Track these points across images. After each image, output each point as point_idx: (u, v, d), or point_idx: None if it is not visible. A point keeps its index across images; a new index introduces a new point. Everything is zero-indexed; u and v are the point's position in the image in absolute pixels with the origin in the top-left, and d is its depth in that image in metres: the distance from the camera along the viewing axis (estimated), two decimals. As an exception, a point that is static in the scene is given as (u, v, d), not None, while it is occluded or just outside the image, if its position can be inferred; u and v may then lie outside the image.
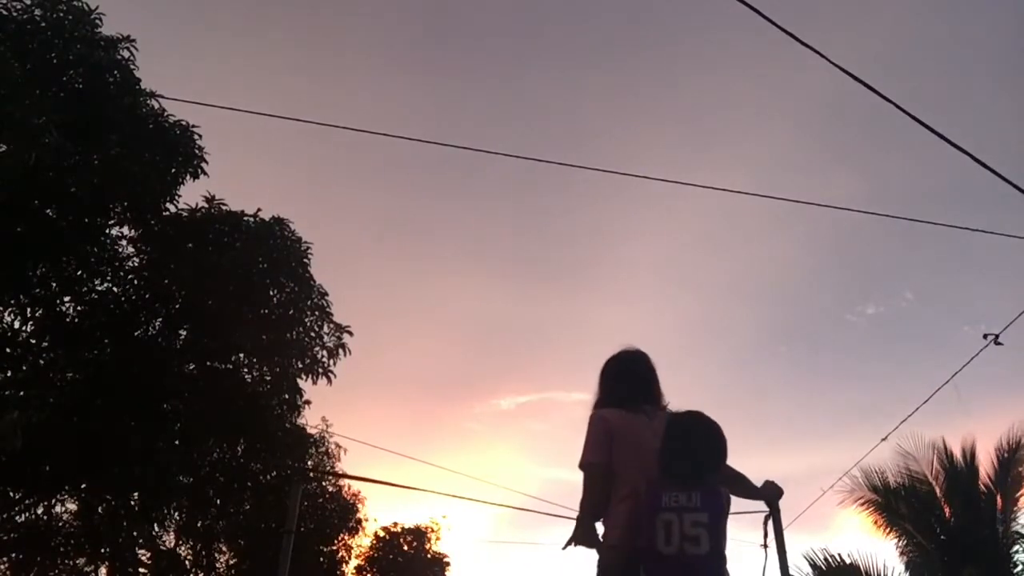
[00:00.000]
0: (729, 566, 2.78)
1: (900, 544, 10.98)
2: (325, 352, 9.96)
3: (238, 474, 10.35)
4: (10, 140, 7.33)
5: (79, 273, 8.94)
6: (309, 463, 12.73)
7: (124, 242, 9.41)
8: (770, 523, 3.31)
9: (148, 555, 11.42)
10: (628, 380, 3.23)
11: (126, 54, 9.01)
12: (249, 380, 9.68)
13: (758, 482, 3.26)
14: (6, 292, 8.43)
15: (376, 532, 17.42)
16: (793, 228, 24.12)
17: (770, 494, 3.27)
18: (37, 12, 8.54)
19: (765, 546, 3.29)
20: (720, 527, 2.72)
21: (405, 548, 17.62)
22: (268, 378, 9.80)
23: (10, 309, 8.63)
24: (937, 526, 10.74)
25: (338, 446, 13.62)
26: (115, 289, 9.21)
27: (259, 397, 9.52)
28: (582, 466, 3.02)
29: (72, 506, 10.01)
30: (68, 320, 8.95)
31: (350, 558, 15.67)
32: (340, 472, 13.31)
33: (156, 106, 9.13)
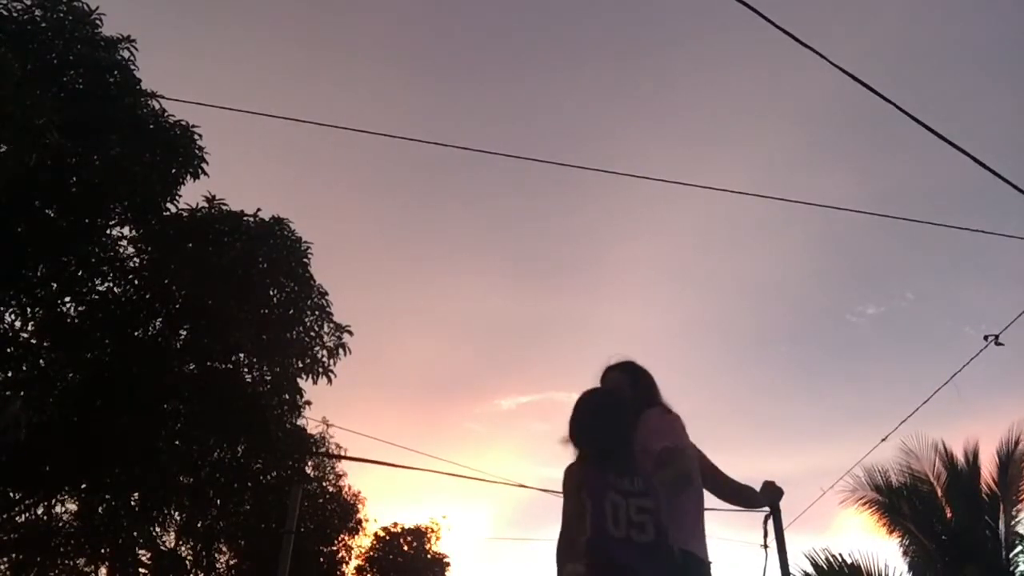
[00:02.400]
0: (715, 566, 2.77)
1: (903, 544, 10.99)
2: (325, 352, 9.96)
3: (238, 474, 10.34)
4: (10, 140, 7.32)
5: (79, 273, 8.94)
6: (309, 463, 12.72)
7: (124, 242, 9.41)
8: (770, 523, 3.31)
9: (148, 555, 11.43)
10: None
11: (126, 54, 9.01)
12: (249, 380, 9.67)
13: (756, 484, 3.26)
14: (6, 292, 8.43)
15: (376, 532, 17.45)
16: (793, 228, 24.15)
17: (770, 495, 3.27)
18: (37, 12, 8.54)
19: (765, 546, 3.29)
20: (661, 514, 2.58)
21: (405, 548, 17.64)
22: (268, 378, 9.79)
23: (11, 309, 8.63)
24: (939, 526, 10.74)
25: (339, 446, 13.63)
26: (115, 289, 9.20)
27: (259, 397, 9.51)
28: (679, 449, 2.79)
29: (72, 506, 10.00)
30: (68, 320, 8.95)
31: (350, 558, 15.69)
32: (339, 455, 13.25)
33: (156, 106, 9.13)
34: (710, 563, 2.84)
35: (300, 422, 10.55)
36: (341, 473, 14.75)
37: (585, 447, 2.71)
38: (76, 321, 8.96)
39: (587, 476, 2.59)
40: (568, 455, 2.78)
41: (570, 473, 2.63)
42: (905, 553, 10.93)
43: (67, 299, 9.00)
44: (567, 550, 2.55)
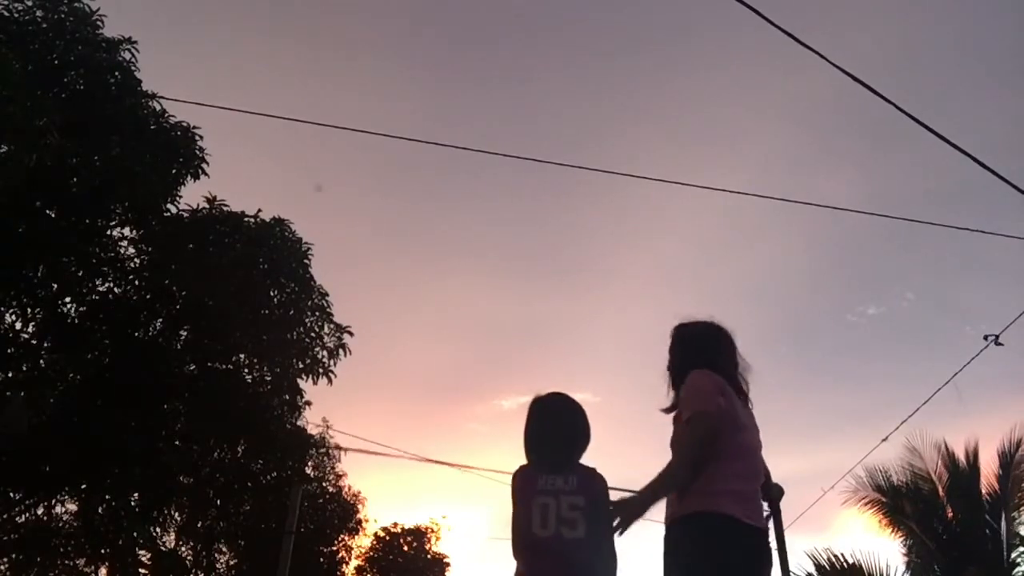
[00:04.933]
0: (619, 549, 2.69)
1: (905, 544, 10.97)
2: (325, 352, 9.97)
3: (238, 475, 10.35)
4: (11, 141, 7.34)
5: (80, 274, 8.95)
6: (309, 464, 12.73)
7: (125, 243, 9.43)
8: (770, 522, 3.31)
9: (148, 556, 11.42)
10: (729, 354, 2.96)
11: (127, 55, 9.03)
12: (249, 380, 9.68)
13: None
14: (7, 292, 8.43)
15: (376, 532, 17.46)
16: (793, 228, 24.17)
17: (771, 494, 3.27)
18: (39, 13, 8.55)
19: (765, 545, 3.28)
20: (597, 511, 2.64)
21: (405, 548, 17.64)
22: (268, 378, 9.80)
23: (11, 309, 8.63)
24: (940, 526, 10.72)
25: (338, 447, 13.64)
26: (116, 289, 9.22)
27: (259, 397, 9.52)
28: (696, 415, 2.63)
29: (72, 506, 10.01)
30: (69, 320, 8.95)
31: (350, 558, 15.71)
32: (344, 447, 13.23)
33: (157, 107, 9.15)
34: (748, 525, 2.60)
35: (300, 422, 10.57)
36: (341, 473, 14.77)
37: (549, 455, 2.79)
38: (76, 321, 8.96)
39: (524, 481, 2.75)
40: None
41: (515, 478, 2.79)
42: (907, 553, 10.92)
43: (67, 299, 9.01)
44: (514, 548, 2.74)
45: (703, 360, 2.90)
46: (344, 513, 14.56)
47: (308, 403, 10.43)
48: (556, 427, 2.82)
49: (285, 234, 9.64)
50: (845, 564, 10.38)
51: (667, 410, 2.99)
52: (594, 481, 2.74)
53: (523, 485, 2.73)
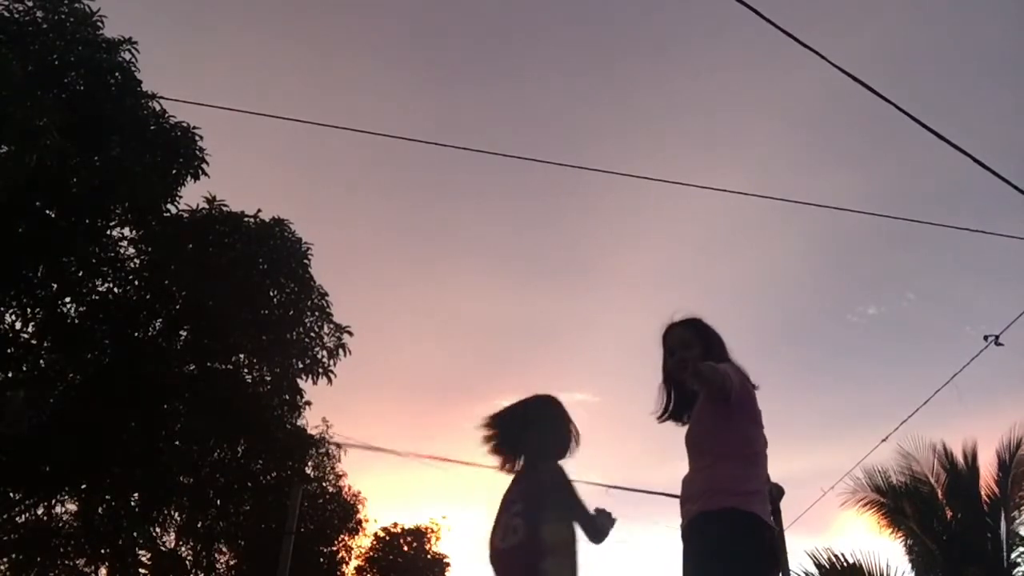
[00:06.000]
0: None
1: (907, 544, 10.97)
2: (325, 352, 9.98)
3: (238, 475, 10.35)
4: (11, 141, 7.34)
5: (80, 274, 8.96)
6: (309, 464, 12.72)
7: (125, 243, 9.44)
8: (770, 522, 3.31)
9: (148, 555, 11.42)
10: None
11: (127, 56, 9.03)
12: (249, 380, 9.70)
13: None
14: (7, 292, 8.44)
15: (376, 532, 17.44)
16: (793, 228, 24.15)
17: (771, 494, 3.27)
18: (39, 14, 8.56)
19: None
20: (536, 513, 2.65)
21: (405, 549, 17.63)
22: (268, 378, 9.82)
23: (11, 309, 8.64)
24: (939, 527, 10.73)
25: (338, 446, 13.62)
26: (116, 290, 9.23)
27: (259, 397, 9.54)
28: (726, 387, 2.55)
29: (72, 506, 10.01)
30: (69, 321, 8.96)
31: (350, 559, 15.68)
32: (339, 442, 13.19)
33: (157, 108, 9.16)
34: (770, 526, 2.66)
35: (300, 422, 10.57)
36: (341, 473, 14.75)
37: (507, 454, 2.86)
38: (76, 321, 8.97)
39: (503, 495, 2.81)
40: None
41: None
42: (908, 552, 10.92)
43: (67, 299, 9.02)
44: None
45: (724, 359, 2.91)
46: (344, 513, 14.54)
47: (308, 403, 10.44)
48: (508, 428, 2.90)
49: (285, 234, 9.66)
50: (845, 564, 10.38)
51: (664, 414, 2.98)
52: (535, 478, 2.76)
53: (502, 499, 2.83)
